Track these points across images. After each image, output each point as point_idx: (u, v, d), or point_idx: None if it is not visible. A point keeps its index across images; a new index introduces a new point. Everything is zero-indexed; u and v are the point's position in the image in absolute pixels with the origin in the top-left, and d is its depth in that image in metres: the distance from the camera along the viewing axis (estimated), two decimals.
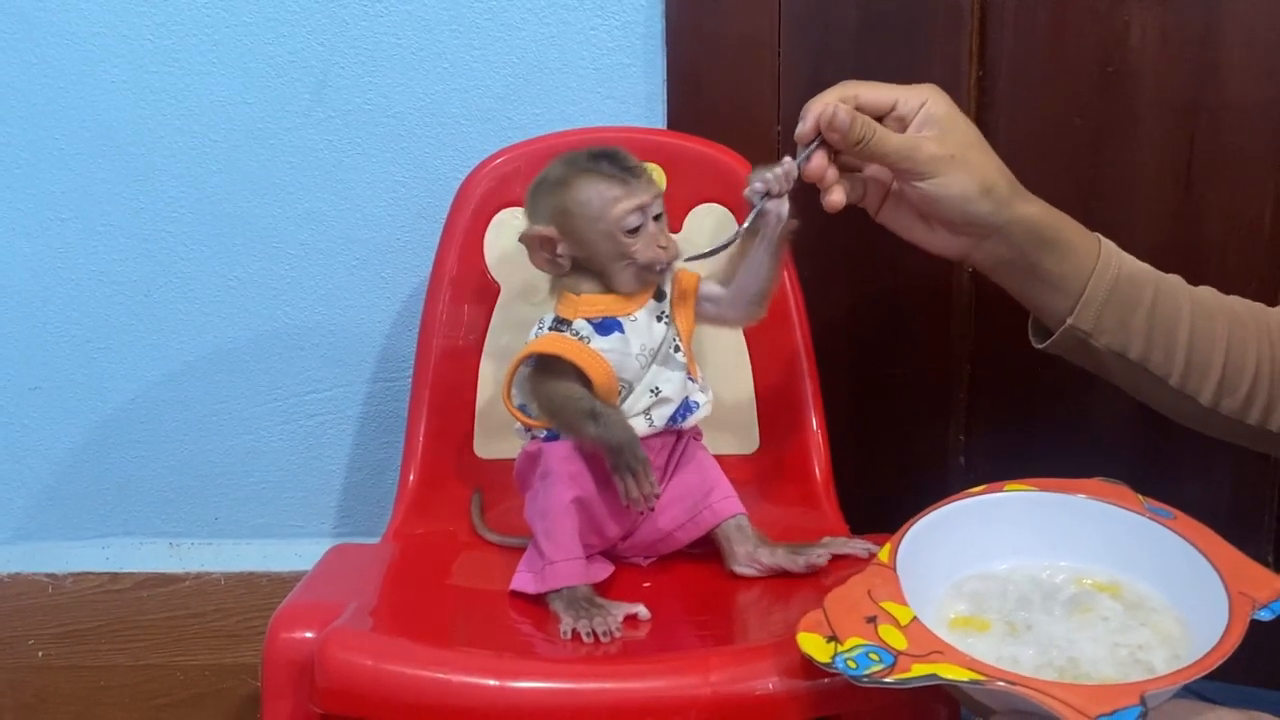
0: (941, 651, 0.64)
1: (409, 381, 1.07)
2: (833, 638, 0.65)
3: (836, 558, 0.87)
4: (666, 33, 1.15)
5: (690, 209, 1.06)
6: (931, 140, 0.82)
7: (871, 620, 0.66)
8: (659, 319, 0.89)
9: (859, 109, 0.83)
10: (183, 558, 1.28)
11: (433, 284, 1.06)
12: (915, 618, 0.67)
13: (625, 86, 1.16)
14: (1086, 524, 0.75)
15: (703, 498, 0.90)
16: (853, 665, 0.63)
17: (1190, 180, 1.16)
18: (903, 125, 0.84)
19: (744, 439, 1.05)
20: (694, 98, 1.16)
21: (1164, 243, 1.18)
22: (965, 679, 0.61)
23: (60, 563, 1.28)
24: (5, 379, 1.25)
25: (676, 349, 0.89)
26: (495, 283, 1.06)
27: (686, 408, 0.89)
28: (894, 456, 1.23)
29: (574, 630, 0.79)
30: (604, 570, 0.88)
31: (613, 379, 0.86)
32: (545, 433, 0.88)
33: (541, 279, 1.05)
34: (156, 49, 1.16)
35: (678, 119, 1.16)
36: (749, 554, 0.89)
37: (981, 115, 1.16)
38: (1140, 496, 0.76)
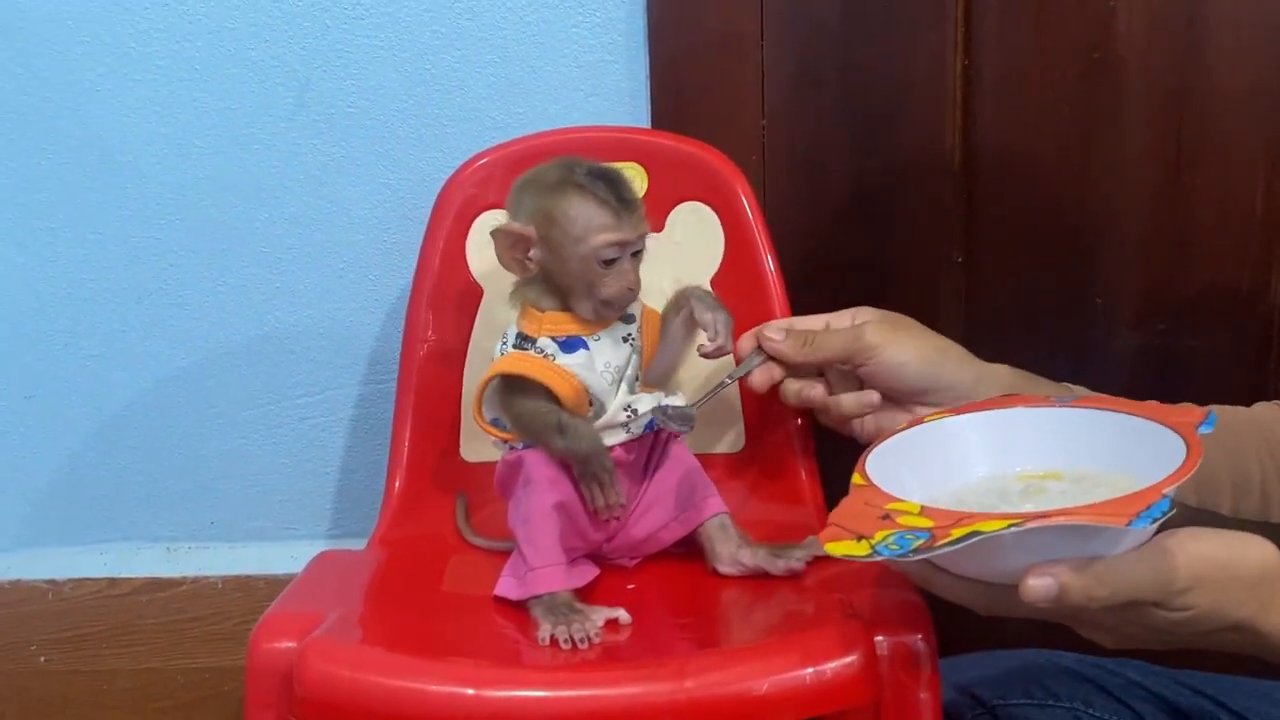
0: (967, 516, 0.64)
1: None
2: (862, 537, 0.65)
3: (816, 559, 0.87)
4: (649, 29, 1.14)
5: (673, 207, 1.06)
6: (870, 325, 0.89)
7: (887, 517, 0.67)
8: (625, 339, 0.88)
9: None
10: (180, 562, 1.29)
11: (415, 288, 1.06)
12: (923, 505, 0.68)
13: (608, 84, 1.16)
14: (1012, 432, 0.77)
15: (686, 496, 0.90)
16: (895, 548, 0.64)
17: (1179, 166, 1.15)
18: None
19: (730, 438, 1.04)
20: (677, 94, 1.16)
21: (1154, 229, 1.17)
22: (1004, 526, 0.62)
23: (59, 568, 1.29)
24: (1, 388, 1.26)
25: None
26: (478, 285, 1.06)
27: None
28: None
29: (552, 636, 0.80)
30: (587, 574, 0.88)
31: (581, 394, 0.85)
32: (523, 444, 0.88)
33: None
34: (140, 57, 1.16)
35: (661, 116, 1.16)
36: (731, 554, 0.89)
37: (968, 106, 1.15)
38: (1044, 396, 0.80)
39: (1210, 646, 0.68)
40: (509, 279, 1.06)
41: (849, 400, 0.90)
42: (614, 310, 0.87)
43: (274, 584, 1.27)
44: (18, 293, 1.23)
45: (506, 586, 0.86)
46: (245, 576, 1.28)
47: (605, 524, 0.88)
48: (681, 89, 1.15)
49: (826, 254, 1.18)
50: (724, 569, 0.89)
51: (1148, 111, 1.14)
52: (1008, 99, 1.15)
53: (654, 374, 0.90)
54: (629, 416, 0.87)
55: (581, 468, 0.84)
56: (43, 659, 1.31)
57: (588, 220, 0.84)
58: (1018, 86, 1.15)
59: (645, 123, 1.16)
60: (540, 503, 0.85)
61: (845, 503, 0.70)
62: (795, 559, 0.87)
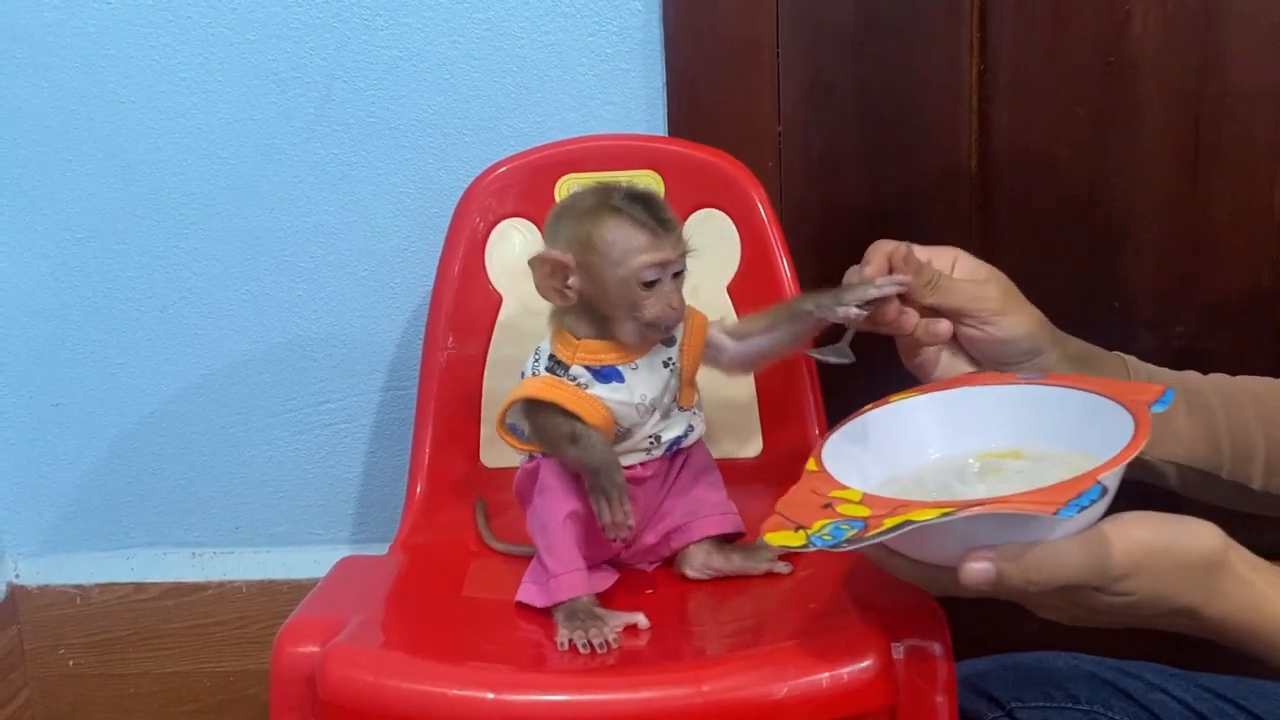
0: (903, 505, 0.66)
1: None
2: (800, 527, 0.67)
3: (823, 563, 0.88)
4: (664, 38, 1.15)
5: (689, 214, 1.06)
6: (992, 285, 0.83)
7: (828, 506, 0.68)
8: (665, 364, 0.87)
9: None
10: (205, 567, 1.31)
11: (435, 295, 1.07)
12: (864, 492, 0.69)
13: (625, 93, 1.17)
14: (975, 410, 0.77)
15: (698, 507, 0.91)
16: (828, 538, 0.65)
17: (1196, 169, 1.15)
18: None
19: (747, 442, 1.05)
20: (694, 102, 1.16)
21: (1171, 231, 1.17)
22: (935, 515, 0.63)
23: (87, 574, 1.31)
24: (28, 396, 1.28)
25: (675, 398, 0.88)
26: (497, 293, 1.07)
27: (684, 435, 0.89)
28: None
29: (570, 641, 0.80)
30: (607, 579, 0.89)
31: (609, 422, 0.85)
32: (541, 452, 0.88)
33: None
34: (163, 69, 1.18)
35: (677, 123, 1.16)
36: (703, 560, 0.90)
37: (983, 110, 1.16)
38: (1008, 374, 0.80)
39: (1161, 627, 0.68)
40: (528, 286, 1.07)
41: (924, 329, 0.83)
42: (658, 332, 0.85)
43: (297, 588, 1.28)
44: (44, 302, 1.25)
45: (529, 593, 0.87)
46: (269, 581, 1.30)
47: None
48: (697, 97, 1.16)
49: (843, 259, 1.17)
50: (692, 573, 0.90)
51: (1164, 114, 1.14)
52: (1023, 102, 1.15)
53: (748, 359, 0.89)
54: (650, 444, 0.87)
55: (591, 480, 0.84)
56: (71, 662, 1.33)
57: (626, 243, 0.82)
58: (1033, 90, 1.15)
59: (661, 130, 1.17)
60: (555, 511, 0.86)
61: (793, 490, 0.71)
62: (768, 559, 0.89)
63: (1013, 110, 1.16)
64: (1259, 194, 1.14)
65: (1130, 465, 0.84)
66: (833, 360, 0.83)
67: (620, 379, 0.85)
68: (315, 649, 0.78)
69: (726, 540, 0.91)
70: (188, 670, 1.32)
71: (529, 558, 0.90)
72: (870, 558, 0.71)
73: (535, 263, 0.84)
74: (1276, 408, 0.87)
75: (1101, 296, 1.19)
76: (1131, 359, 0.88)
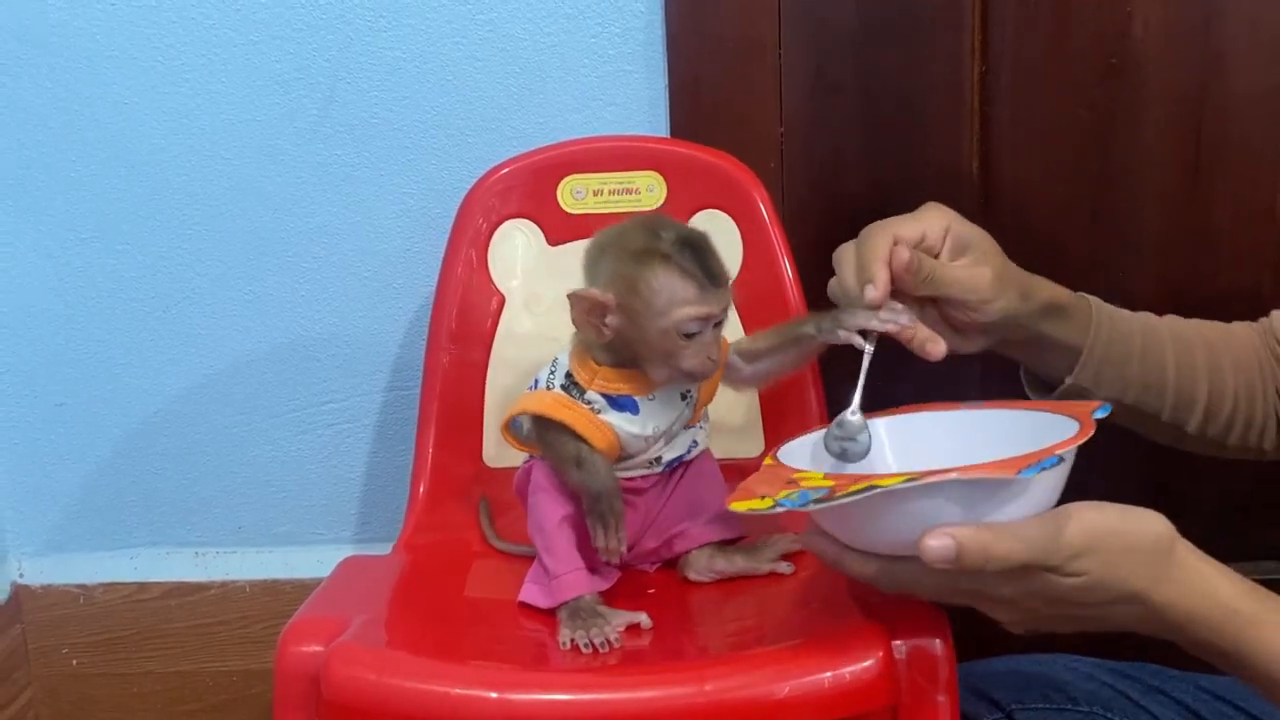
0: (866, 477, 0.68)
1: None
2: (765, 495, 0.69)
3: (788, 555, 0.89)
4: (667, 39, 1.15)
5: (691, 215, 1.07)
6: (981, 266, 0.84)
7: (792, 482, 0.71)
8: (683, 397, 0.86)
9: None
10: (208, 566, 1.31)
11: (438, 296, 1.07)
12: (825, 473, 0.72)
13: (627, 94, 1.17)
14: (922, 434, 0.81)
15: (700, 512, 0.91)
16: (795, 498, 0.68)
17: (1198, 169, 1.16)
18: (933, 254, 0.84)
19: (748, 442, 1.05)
20: (696, 103, 1.17)
21: (1173, 232, 1.17)
22: (900, 481, 0.65)
23: (90, 574, 1.31)
24: (32, 396, 1.28)
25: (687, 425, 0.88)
26: (500, 293, 1.07)
27: (687, 453, 0.89)
28: None
29: (573, 640, 0.81)
30: (610, 576, 0.89)
31: (615, 447, 0.85)
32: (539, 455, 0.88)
33: (545, 287, 1.07)
34: (167, 70, 1.18)
35: (680, 124, 1.17)
36: (706, 564, 0.90)
37: (985, 111, 1.16)
38: (954, 402, 0.84)
39: (1111, 626, 0.70)
40: (530, 287, 1.08)
41: (917, 344, 0.83)
42: (692, 381, 0.85)
43: (300, 588, 1.28)
44: (48, 303, 1.25)
45: (531, 594, 0.87)
46: (272, 581, 1.30)
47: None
48: (700, 98, 1.16)
49: None
50: (695, 576, 0.90)
51: (1165, 115, 1.14)
52: (1025, 104, 1.16)
53: (758, 378, 0.90)
54: (652, 464, 0.87)
55: (590, 504, 0.84)
56: (74, 662, 1.33)
57: (671, 294, 0.80)
58: (1035, 92, 1.15)
59: (664, 131, 1.17)
60: (550, 513, 0.86)
61: (754, 475, 0.74)
62: (769, 560, 0.89)
63: (1014, 111, 1.16)
64: (1260, 195, 1.15)
65: (1073, 395, 0.90)
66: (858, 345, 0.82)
67: (635, 410, 0.85)
68: (319, 648, 0.79)
69: (728, 541, 0.91)
70: (191, 670, 1.32)
71: (532, 557, 0.91)
72: (826, 558, 0.73)
73: (574, 299, 0.82)
74: (1226, 357, 0.91)
75: (1102, 296, 1.18)
76: (1097, 303, 0.91)
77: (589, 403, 0.85)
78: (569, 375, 0.86)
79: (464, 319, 1.07)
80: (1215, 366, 0.90)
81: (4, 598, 1.31)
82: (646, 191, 1.08)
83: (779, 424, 1.05)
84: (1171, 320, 0.93)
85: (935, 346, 0.81)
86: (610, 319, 0.82)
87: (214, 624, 1.31)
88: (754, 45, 1.16)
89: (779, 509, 0.67)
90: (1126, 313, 0.92)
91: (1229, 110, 1.13)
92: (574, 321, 0.83)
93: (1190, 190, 1.16)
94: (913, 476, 0.65)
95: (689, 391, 0.87)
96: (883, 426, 0.82)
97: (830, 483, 0.69)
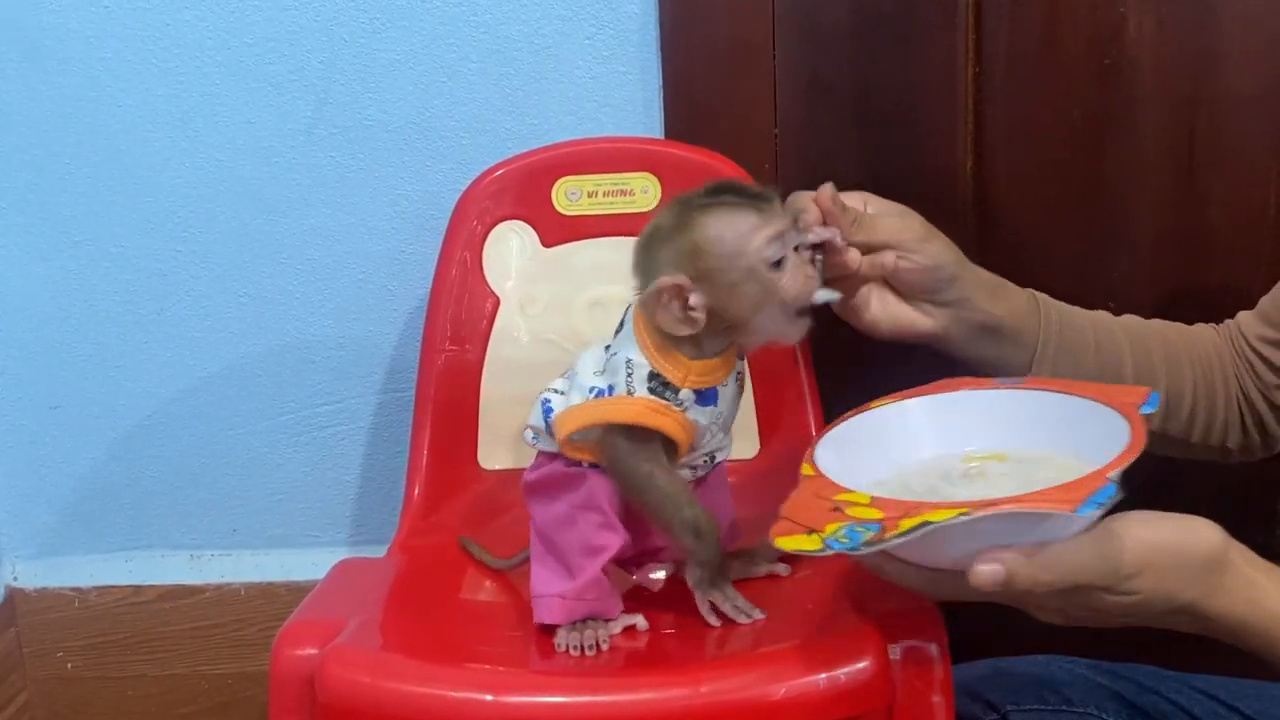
0: (916, 506, 0.65)
1: None
2: (812, 531, 0.65)
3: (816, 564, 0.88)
4: (661, 40, 1.15)
5: None
6: (910, 218, 0.85)
7: (837, 509, 0.67)
8: (737, 377, 0.82)
9: None
10: (203, 569, 1.31)
11: (433, 298, 1.07)
12: (873, 496, 0.68)
13: (621, 95, 1.17)
14: (956, 415, 0.77)
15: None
16: (845, 540, 0.64)
17: (1192, 170, 1.16)
18: None
19: (744, 443, 1.05)
20: (690, 104, 1.17)
21: (1167, 233, 1.17)
22: (953, 515, 0.62)
23: (85, 577, 1.31)
24: (26, 398, 1.28)
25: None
26: (495, 295, 1.07)
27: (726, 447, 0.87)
28: None
29: (568, 643, 0.80)
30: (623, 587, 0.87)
31: (690, 442, 0.81)
32: (588, 464, 0.83)
33: (540, 289, 1.07)
34: (160, 71, 1.18)
35: (674, 126, 1.17)
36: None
37: (979, 111, 1.16)
38: (989, 379, 0.80)
39: (1156, 625, 0.69)
40: (525, 289, 1.08)
41: (867, 262, 0.83)
42: (806, 315, 0.78)
43: (296, 590, 1.28)
44: (42, 305, 1.25)
45: (550, 613, 0.82)
46: (267, 583, 1.30)
47: (640, 541, 0.86)
48: (694, 99, 1.16)
49: None
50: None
51: (1159, 115, 1.14)
52: (1019, 104, 1.16)
53: None
54: (705, 461, 0.84)
55: (700, 573, 0.81)
56: (69, 665, 1.33)
57: (735, 230, 0.75)
58: (1029, 92, 1.15)
59: (658, 133, 1.17)
60: (600, 541, 0.82)
61: (795, 495, 0.70)
62: (766, 561, 0.88)
63: (1008, 112, 1.16)
64: (1255, 195, 1.15)
65: None
66: (822, 300, 0.80)
67: (715, 401, 0.80)
68: (314, 651, 0.79)
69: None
70: (186, 673, 1.32)
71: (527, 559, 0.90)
72: (867, 565, 0.70)
73: (650, 298, 0.76)
74: (1184, 354, 0.91)
75: (1097, 297, 1.17)
76: (1043, 296, 0.91)
77: (681, 403, 0.79)
78: (655, 376, 0.78)
79: (459, 321, 1.07)
80: (1173, 362, 0.90)
81: None
82: (641, 193, 1.08)
83: (773, 424, 1.05)
84: (1126, 318, 0.93)
85: (882, 257, 0.82)
86: (693, 298, 0.76)
87: (209, 627, 1.31)
88: (748, 46, 1.16)
89: (829, 551, 0.64)
90: (1075, 307, 0.92)
91: (1223, 111, 1.13)
92: (661, 324, 0.77)
93: (1184, 191, 1.16)
94: (963, 510, 0.63)
95: (742, 370, 0.83)
96: (918, 406, 0.79)
97: (878, 514, 0.65)
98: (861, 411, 0.79)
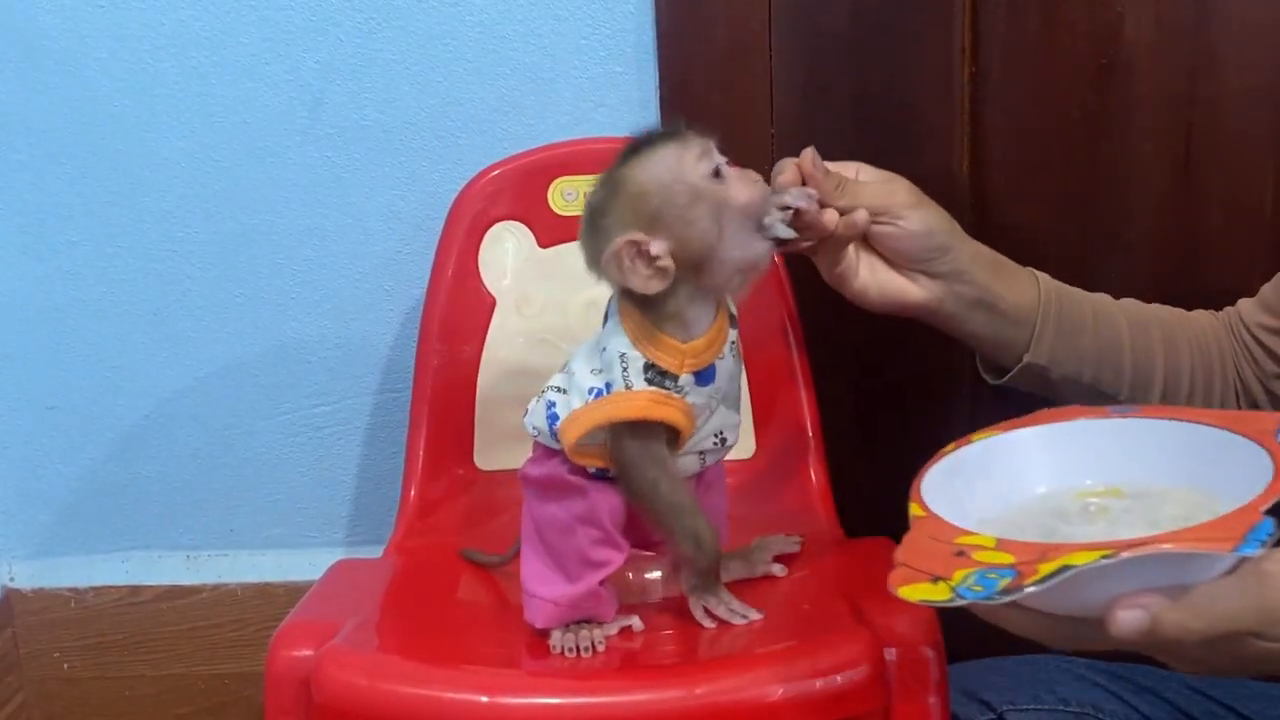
0: (1053, 549, 0.58)
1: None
2: (938, 578, 0.59)
3: (806, 558, 0.89)
4: (658, 40, 1.15)
5: None
6: (895, 183, 0.85)
7: (961, 553, 0.60)
8: (731, 347, 0.80)
9: None
10: (200, 570, 1.31)
11: (429, 298, 1.07)
12: (999, 538, 0.61)
13: (618, 95, 1.17)
14: (1071, 447, 0.72)
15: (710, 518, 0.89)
16: (979, 589, 0.57)
17: (1189, 169, 1.16)
18: None
19: (741, 443, 1.05)
20: (687, 104, 1.16)
21: (1164, 233, 1.17)
22: (1096, 558, 0.56)
23: (81, 577, 1.31)
24: (23, 399, 1.28)
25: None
26: (491, 295, 1.07)
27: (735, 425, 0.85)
28: (895, 459, 1.23)
29: (563, 644, 0.80)
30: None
31: (691, 428, 0.79)
32: (594, 469, 0.81)
33: (536, 289, 1.07)
34: (156, 72, 1.18)
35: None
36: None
37: (976, 111, 1.16)
38: (1101, 408, 0.75)
39: None
40: (521, 289, 1.08)
41: (843, 223, 0.82)
42: (771, 230, 0.77)
43: (292, 590, 1.28)
44: (38, 305, 1.25)
45: (542, 615, 0.82)
46: (264, 584, 1.30)
47: (638, 543, 0.85)
48: (691, 99, 1.16)
49: None
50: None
51: (1157, 116, 1.14)
52: (1016, 105, 1.16)
53: None
54: (715, 444, 0.82)
55: (697, 580, 0.81)
56: (66, 666, 1.33)
57: (665, 164, 0.75)
58: (1026, 93, 1.15)
59: None
60: (602, 557, 0.81)
61: (909, 538, 0.63)
62: (763, 563, 0.88)
63: (1005, 112, 1.16)
64: (1251, 195, 1.14)
65: (1032, 375, 0.87)
66: (780, 236, 0.78)
67: (713, 378, 0.79)
68: (310, 652, 0.79)
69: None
70: (183, 673, 1.32)
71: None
72: (980, 613, 0.61)
73: (611, 261, 0.74)
74: (1181, 335, 0.91)
75: None
76: (1043, 275, 0.90)
77: (681, 389, 0.77)
78: (652, 367, 0.77)
79: (455, 321, 1.07)
80: (1171, 343, 0.89)
81: None
82: None
83: (769, 425, 1.05)
84: (1125, 301, 0.93)
85: (856, 216, 0.81)
86: (654, 247, 0.74)
87: (206, 627, 1.31)
88: (745, 47, 1.15)
89: (959, 601, 0.57)
90: (1075, 289, 0.91)
91: (1219, 110, 1.13)
92: (634, 286, 0.75)
93: (1181, 190, 1.16)
94: (1108, 552, 0.56)
95: (734, 339, 0.81)
96: (1030, 438, 0.72)
97: (1010, 557, 0.59)
98: (965, 444, 0.72)
